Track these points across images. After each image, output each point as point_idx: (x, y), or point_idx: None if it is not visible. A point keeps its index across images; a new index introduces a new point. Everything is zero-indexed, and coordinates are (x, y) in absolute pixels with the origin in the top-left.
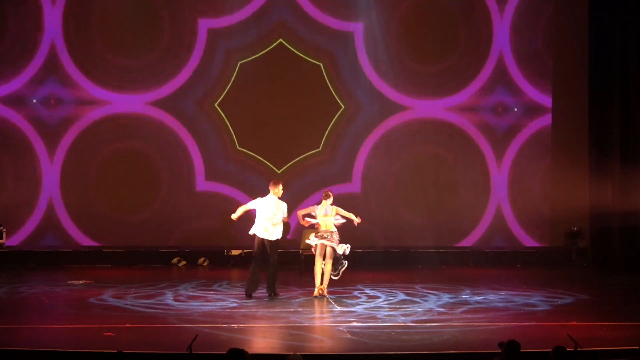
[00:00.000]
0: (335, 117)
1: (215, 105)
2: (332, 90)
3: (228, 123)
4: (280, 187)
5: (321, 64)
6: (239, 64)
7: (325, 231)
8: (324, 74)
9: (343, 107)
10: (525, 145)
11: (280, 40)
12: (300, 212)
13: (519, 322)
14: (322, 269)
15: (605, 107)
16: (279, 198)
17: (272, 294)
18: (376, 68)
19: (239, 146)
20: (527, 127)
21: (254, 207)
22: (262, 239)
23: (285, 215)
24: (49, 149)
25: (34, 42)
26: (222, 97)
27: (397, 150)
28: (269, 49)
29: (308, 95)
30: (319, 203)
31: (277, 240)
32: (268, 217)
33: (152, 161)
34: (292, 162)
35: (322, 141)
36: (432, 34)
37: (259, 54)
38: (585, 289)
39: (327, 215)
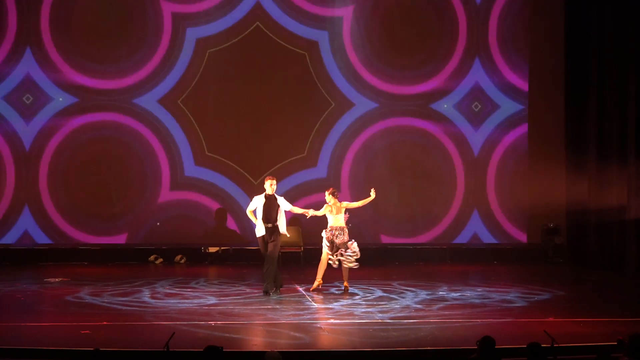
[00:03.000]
0: (323, 117)
1: (178, 102)
2: (319, 84)
3: (195, 123)
4: (275, 182)
5: (306, 54)
6: (207, 54)
7: (336, 228)
8: (309, 64)
9: (333, 104)
10: (503, 144)
11: (258, 23)
12: (314, 213)
13: (496, 318)
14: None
15: (581, 103)
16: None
17: (274, 291)
18: (365, 58)
19: (208, 151)
20: (505, 127)
21: (255, 207)
22: (264, 237)
23: (289, 207)
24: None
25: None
26: (186, 92)
27: (374, 150)
28: (243, 35)
29: (291, 91)
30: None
31: (279, 236)
32: (268, 214)
33: (126, 159)
34: (272, 169)
35: (307, 145)
36: (409, 27)
37: (232, 41)
38: (561, 285)
39: (338, 214)
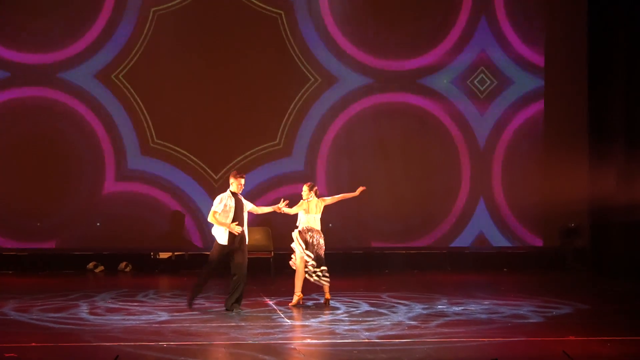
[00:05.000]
0: (300, 95)
1: (120, 77)
2: (295, 55)
3: (142, 106)
4: (243, 180)
5: (282, 13)
6: (153, 14)
7: (313, 230)
8: (284, 30)
9: (315, 79)
10: (513, 129)
11: None
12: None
13: (506, 337)
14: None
15: (606, 83)
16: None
17: (236, 309)
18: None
19: (157, 138)
20: (516, 108)
21: (221, 210)
22: (227, 246)
23: (250, 207)
24: None
25: None
26: (128, 66)
27: (359, 135)
28: None
29: (261, 63)
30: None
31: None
32: (239, 218)
33: (60, 148)
34: (237, 160)
35: (280, 131)
36: None
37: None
38: (583, 297)
39: (316, 213)
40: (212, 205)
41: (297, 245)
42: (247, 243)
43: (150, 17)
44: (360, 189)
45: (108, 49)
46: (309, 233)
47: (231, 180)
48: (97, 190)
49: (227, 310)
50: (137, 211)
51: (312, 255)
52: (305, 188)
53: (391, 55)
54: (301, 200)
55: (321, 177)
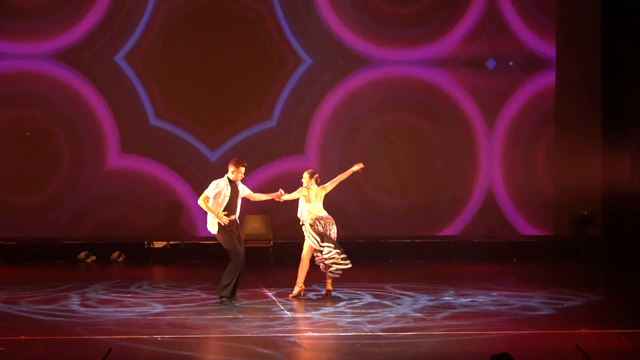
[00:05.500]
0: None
1: (123, 58)
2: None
3: (141, 84)
4: (244, 169)
5: None
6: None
7: (324, 218)
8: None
9: (309, 60)
10: (522, 110)
11: None
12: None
13: (516, 329)
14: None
15: (622, 60)
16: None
17: (232, 299)
18: (337, 10)
19: (157, 117)
20: (524, 87)
21: (217, 194)
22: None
23: (248, 193)
24: None
25: None
26: (131, 46)
27: (361, 117)
28: None
29: (253, 45)
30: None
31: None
32: (233, 205)
33: (52, 132)
34: (234, 137)
35: (274, 110)
36: None
37: None
38: (596, 288)
39: (317, 201)
40: (206, 188)
41: (312, 241)
42: (241, 230)
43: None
44: (357, 166)
45: (112, 25)
46: (321, 222)
47: (231, 167)
48: (88, 175)
49: (220, 299)
50: (131, 197)
51: (332, 245)
52: (305, 175)
53: (399, 43)
54: (301, 187)
55: (319, 160)
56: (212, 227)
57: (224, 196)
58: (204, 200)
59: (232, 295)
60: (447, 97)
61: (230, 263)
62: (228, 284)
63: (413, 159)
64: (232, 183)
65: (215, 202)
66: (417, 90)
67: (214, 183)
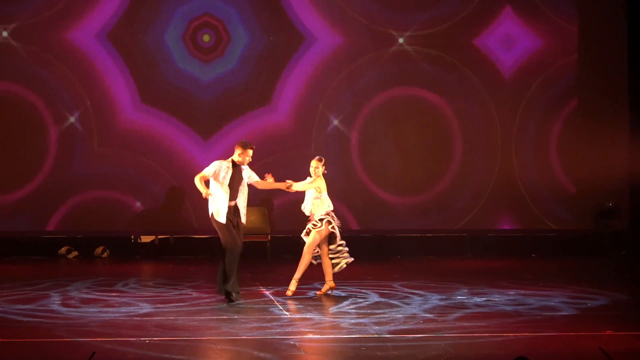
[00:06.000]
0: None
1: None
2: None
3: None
4: (251, 152)
5: None
6: None
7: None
8: None
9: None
10: (541, 89)
11: None
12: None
13: (534, 331)
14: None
15: None
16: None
17: (235, 296)
18: None
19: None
20: (544, 65)
21: (214, 175)
22: (229, 220)
23: (255, 180)
24: None
25: None
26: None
27: (367, 98)
28: None
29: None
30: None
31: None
32: (233, 190)
33: (28, 109)
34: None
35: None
36: None
37: None
38: (622, 286)
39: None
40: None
41: (337, 234)
42: (244, 222)
43: None
44: (285, 183)
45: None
46: (334, 215)
47: (237, 149)
48: (70, 166)
49: (228, 296)
50: (117, 186)
51: (344, 242)
52: (315, 163)
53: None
54: (313, 177)
55: (325, 147)
56: (221, 216)
57: (223, 178)
58: (199, 178)
59: (235, 289)
60: (462, 77)
61: (227, 257)
62: (232, 278)
63: (423, 147)
64: (236, 167)
65: (215, 184)
66: (428, 69)
67: (215, 163)
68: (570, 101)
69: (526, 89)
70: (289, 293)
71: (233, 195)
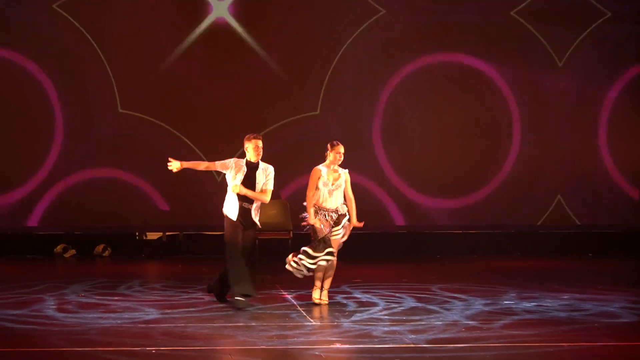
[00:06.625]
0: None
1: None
2: None
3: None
4: (260, 142)
5: None
6: None
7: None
8: None
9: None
10: (599, 62)
11: None
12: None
13: (591, 340)
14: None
15: None
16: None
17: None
18: None
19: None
20: (604, 33)
21: (229, 173)
22: (241, 223)
23: (270, 187)
24: None
25: None
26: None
27: (405, 81)
28: None
29: None
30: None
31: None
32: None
33: (19, 107)
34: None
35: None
36: None
37: None
38: None
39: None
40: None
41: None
42: (258, 226)
43: None
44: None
45: None
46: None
47: (245, 144)
48: (68, 156)
49: (239, 298)
50: (119, 178)
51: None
52: (336, 147)
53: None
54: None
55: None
56: (232, 213)
57: (233, 177)
58: (203, 162)
59: (252, 291)
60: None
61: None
62: (239, 280)
63: (468, 134)
64: (250, 167)
65: (230, 181)
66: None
67: (230, 160)
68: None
69: (592, 72)
70: (320, 302)
71: (245, 197)
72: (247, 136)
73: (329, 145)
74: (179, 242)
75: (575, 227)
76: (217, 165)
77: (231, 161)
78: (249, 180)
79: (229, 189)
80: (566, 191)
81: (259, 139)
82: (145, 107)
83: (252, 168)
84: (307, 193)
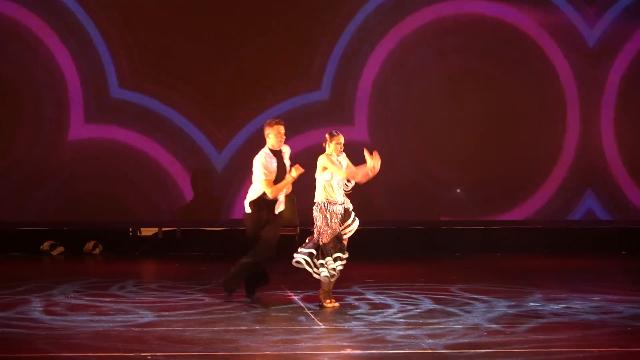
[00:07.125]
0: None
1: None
2: None
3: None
4: (283, 129)
5: None
6: None
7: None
8: None
9: None
10: (631, 49)
11: None
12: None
13: (624, 345)
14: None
15: None
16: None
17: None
18: None
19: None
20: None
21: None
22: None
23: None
24: None
25: None
26: None
27: (419, 66)
28: None
29: None
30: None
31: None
32: (280, 180)
33: (9, 86)
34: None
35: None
36: None
37: None
38: None
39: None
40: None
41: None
42: (281, 215)
43: None
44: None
45: None
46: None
47: (267, 131)
48: (56, 141)
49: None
50: (112, 167)
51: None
52: (341, 138)
53: None
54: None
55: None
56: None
57: (271, 172)
58: (267, 185)
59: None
60: (530, 38)
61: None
62: (238, 275)
63: (489, 123)
64: (276, 153)
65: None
66: (489, 28)
67: (256, 162)
68: None
69: (613, 50)
70: (334, 306)
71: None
72: (267, 122)
73: (327, 135)
74: (176, 239)
75: (607, 223)
76: (271, 172)
77: (267, 159)
78: (281, 166)
79: (262, 183)
80: (597, 185)
81: (282, 124)
82: (142, 86)
83: (279, 157)
84: (338, 174)
